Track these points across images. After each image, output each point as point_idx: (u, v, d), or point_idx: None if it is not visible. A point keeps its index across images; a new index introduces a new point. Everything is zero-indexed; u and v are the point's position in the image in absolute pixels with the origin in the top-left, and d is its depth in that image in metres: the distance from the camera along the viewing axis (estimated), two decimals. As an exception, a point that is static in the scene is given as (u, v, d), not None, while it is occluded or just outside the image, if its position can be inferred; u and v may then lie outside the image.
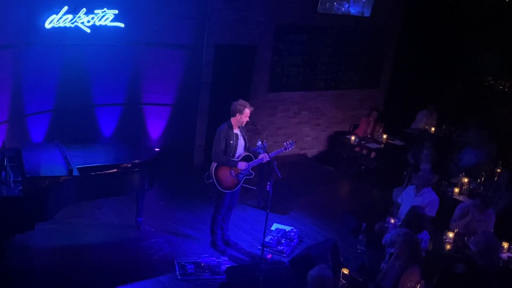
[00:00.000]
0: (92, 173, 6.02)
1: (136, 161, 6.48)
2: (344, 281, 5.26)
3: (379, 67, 11.76)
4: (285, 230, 7.36)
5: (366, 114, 11.16)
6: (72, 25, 7.71)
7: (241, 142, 6.49)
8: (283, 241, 7.07)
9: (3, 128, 7.53)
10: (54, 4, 7.48)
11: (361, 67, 11.42)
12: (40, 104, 8.11)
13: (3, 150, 5.82)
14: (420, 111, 11.32)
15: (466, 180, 7.96)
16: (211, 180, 6.43)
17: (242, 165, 6.39)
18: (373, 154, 10.46)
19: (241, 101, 6.39)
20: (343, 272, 5.31)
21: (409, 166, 8.67)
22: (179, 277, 6.05)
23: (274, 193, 6.21)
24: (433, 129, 10.95)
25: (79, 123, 8.34)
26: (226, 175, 6.40)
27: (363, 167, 10.36)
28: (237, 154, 6.44)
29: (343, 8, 10.42)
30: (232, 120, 6.40)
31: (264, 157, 6.44)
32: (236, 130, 6.45)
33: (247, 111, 6.35)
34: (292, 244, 7.06)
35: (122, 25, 8.17)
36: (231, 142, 6.37)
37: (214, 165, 6.42)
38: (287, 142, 6.58)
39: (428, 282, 5.22)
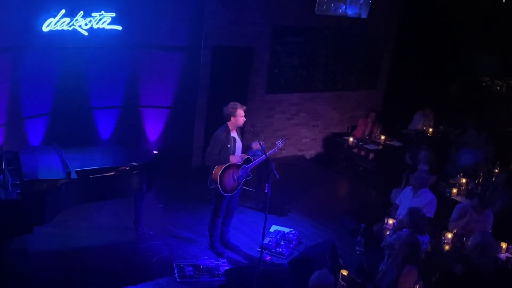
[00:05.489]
0: (90, 176, 6.02)
1: (134, 163, 6.47)
2: (343, 283, 5.26)
3: (376, 68, 11.77)
4: (283, 231, 7.36)
5: (364, 115, 11.15)
6: (70, 28, 7.72)
7: (238, 145, 6.50)
8: (281, 242, 7.07)
9: (1, 131, 7.51)
10: (52, 7, 7.48)
11: (359, 68, 11.42)
12: (38, 107, 8.09)
13: (1, 153, 5.81)
14: (417, 112, 11.35)
15: (464, 180, 7.98)
16: (216, 185, 6.35)
17: (234, 159, 6.35)
18: (371, 155, 10.47)
19: (231, 104, 6.38)
20: (342, 274, 5.31)
21: (407, 167, 8.68)
22: (178, 280, 6.04)
23: (273, 194, 6.21)
24: (430, 130, 10.97)
25: (77, 126, 8.32)
26: (229, 179, 6.39)
27: (361, 168, 10.36)
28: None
29: (340, 10, 10.43)
30: (229, 124, 6.39)
31: (262, 157, 6.45)
32: (234, 134, 6.45)
33: (240, 112, 6.34)
34: (291, 245, 7.06)
35: (119, 28, 8.18)
36: (229, 145, 6.36)
37: (218, 170, 6.31)
38: (278, 141, 6.74)
39: (426, 283, 5.23)
